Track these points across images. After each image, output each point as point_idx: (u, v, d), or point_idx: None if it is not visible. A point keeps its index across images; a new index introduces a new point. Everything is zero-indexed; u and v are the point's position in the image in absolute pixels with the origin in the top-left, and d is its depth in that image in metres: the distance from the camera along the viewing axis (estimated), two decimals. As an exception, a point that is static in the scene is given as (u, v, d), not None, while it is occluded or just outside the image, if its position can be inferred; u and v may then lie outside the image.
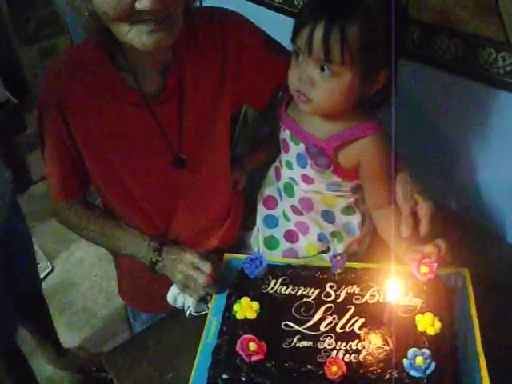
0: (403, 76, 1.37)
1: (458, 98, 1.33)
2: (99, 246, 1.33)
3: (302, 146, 1.11)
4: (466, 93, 1.30)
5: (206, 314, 1.08)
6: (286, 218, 1.22)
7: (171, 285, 1.19)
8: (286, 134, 1.16)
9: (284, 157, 1.18)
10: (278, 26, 1.11)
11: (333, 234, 1.19)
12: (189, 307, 1.16)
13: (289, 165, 1.16)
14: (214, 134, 1.18)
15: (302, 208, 1.18)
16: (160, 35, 0.96)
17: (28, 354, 1.85)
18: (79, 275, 2.60)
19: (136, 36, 0.95)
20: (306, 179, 1.14)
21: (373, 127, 1.06)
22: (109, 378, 2.05)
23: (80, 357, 2.19)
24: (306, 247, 1.20)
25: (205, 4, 1.20)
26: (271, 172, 1.26)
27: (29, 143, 2.92)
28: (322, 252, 1.20)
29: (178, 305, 1.19)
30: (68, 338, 2.28)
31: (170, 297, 1.19)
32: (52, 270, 2.60)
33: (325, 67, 0.99)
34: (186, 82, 1.11)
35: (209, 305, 1.10)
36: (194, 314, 1.15)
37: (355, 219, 1.18)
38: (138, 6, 0.90)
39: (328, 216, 1.17)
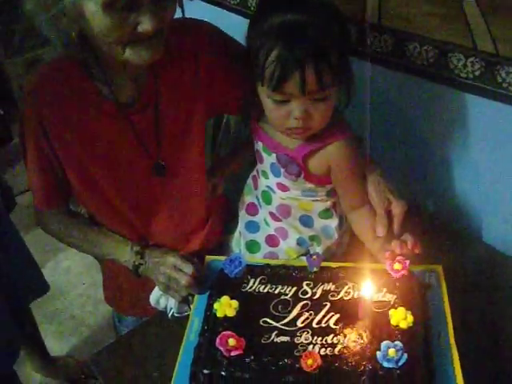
0: (378, 81, 1.43)
1: (430, 102, 1.38)
2: (86, 255, 1.36)
3: (274, 155, 1.14)
4: (438, 97, 1.35)
5: (188, 315, 1.11)
6: (267, 223, 1.25)
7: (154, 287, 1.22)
8: (258, 145, 1.19)
9: (259, 167, 1.22)
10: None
11: (311, 238, 1.22)
12: (171, 309, 1.18)
13: (264, 174, 1.20)
14: (191, 140, 1.22)
15: (279, 215, 1.21)
16: (154, 50, 1.02)
17: (16, 363, 1.86)
18: (67, 284, 2.61)
19: (133, 54, 1.00)
20: (282, 187, 1.17)
21: (340, 133, 1.09)
22: (94, 384, 2.08)
23: (68, 364, 2.20)
24: (286, 251, 1.23)
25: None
26: (249, 181, 1.30)
27: (15, 153, 2.95)
28: (302, 255, 1.22)
29: (161, 306, 1.22)
30: (56, 346, 2.28)
31: (152, 299, 1.22)
32: (39, 280, 2.60)
33: (317, 97, 1.00)
34: (161, 91, 1.15)
35: (191, 306, 1.13)
36: (176, 315, 1.18)
37: (333, 222, 1.21)
38: (140, 29, 0.96)
39: (306, 221, 1.21)
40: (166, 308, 1.21)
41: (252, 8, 1.65)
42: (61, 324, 2.43)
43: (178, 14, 1.08)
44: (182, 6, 1.08)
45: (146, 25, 0.96)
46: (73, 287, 2.60)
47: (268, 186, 1.20)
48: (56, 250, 2.68)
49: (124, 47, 1.00)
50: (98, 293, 2.46)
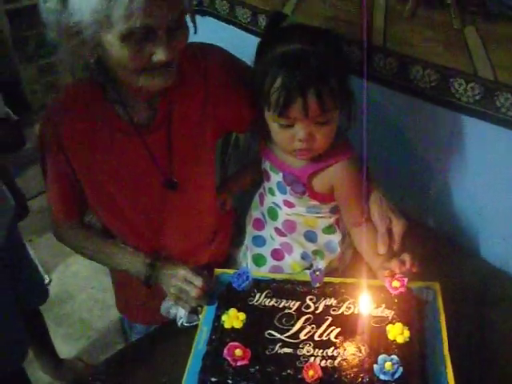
0: (382, 102, 1.48)
1: (431, 124, 1.43)
2: (96, 262, 1.42)
3: (280, 174, 1.20)
4: (439, 118, 1.40)
5: (197, 324, 1.16)
6: (272, 238, 1.30)
7: (164, 298, 1.26)
8: (266, 165, 1.25)
9: (266, 184, 1.27)
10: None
11: (315, 253, 1.27)
12: (181, 318, 1.23)
13: (271, 191, 1.25)
14: (201, 158, 1.28)
15: (285, 230, 1.26)
16: (167, 77, 1.08)
17: (25, 364, 1.89)
18: (76, 287, 2.66)
19: (147, 81, 1.07)
20: (288, 204, 1.22)
21: (343, 153, 1.15)
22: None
23: (76, 367, 2.24)
24: (291, 265, 1.28)
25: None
26: (256, 197, 1.35)
27: (28, 158, 3.00)
28: (306, 269, 1.26)
29: (171, 316, 1.26)
30: (65, 349, 2.33)
31: (163, 308, 1.26)
32: (49, 283, 2.64)
33: (320, 120, 1.06)
34: (173, 112, 1.21)
35: (200, 316, 1.18)
36: (185, 324, 1.22)
37: (336, 238, 1.26)
38: (155, 59, 1.03)
39: (310, 236, 1.26)
40: (175, 317, 1.25)
41: (262, 27, 1.71)
42: (69, 327, 2.47)
43: (191, 30, 1.13)
44: (194, 24, 1.14)
45: (160, 55, 1.03)
46: (81, 291, 2.65)
47: (274, 203, 1.25)
48: (65, 254, 2.70)
49: (139, 75, 1.06)
50: (105, 297, 2.51)
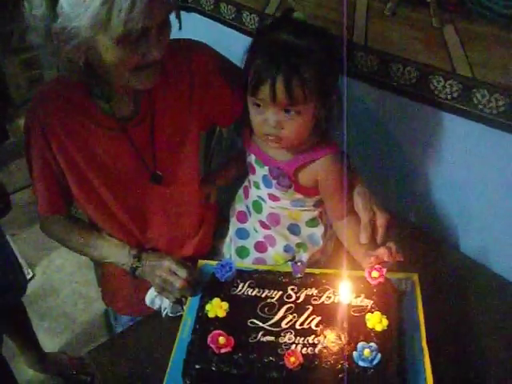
0: (362, 99, 1.51)
1: (410, 119, 1.46)
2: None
3: (266, 168, 1.22)
4: (419, 115, 1.43)
5: (182, 315, 1.18)
6: (256, 231, 1.32)
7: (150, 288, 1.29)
8: (251, 158, 1.27)
9: (251, 178, 1.29)
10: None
11: (298, 245, 1.29)
12: (165, 309, 1.25)
13: (256, 185, 1.27)
14: (185, 151, 1.30)
15: (269, 223, 1.29)
16: (155, 75, 1.11)
17: (9, 358, 1.88)
18: (59, 282, 2.65)
19: (138, 79, 1.09)
20: (273, 197, 1.25)
21: (329, 148, 1.17)
22: (88, 381, 2.13)
23: (60, 360, 2.24)
24: (274, 257, 1.31)
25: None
26: (240, 191, 1.37)
27: (11, 152, 2.99)
28: (288, 261, 1.29)
29: (156, 307, 1.28)
30: (48, 343, 2.33)
31: (148, 299, 1.28)
32: (33, 277, 2.65)
33: (290, 110, 1.08)
34: (157, 107, 1.23)
35: (184, 307, 1.20)
36: (170, 315, 1.24)
37: (319, 231, 1.29)
38: (150, 57, 1.05)
39: (294, 229, 1.28)
40: (160, 308, 1.27)
41: (246, 23, 1.73)
42: (53, 321, 2.47)
43: (176, 27, 1.15)
44: (179, 20, 1.15)
45: (155, 53, 1.05)
46: (65, 285, 2.64)
47: (259, 196, 1.28)
48: (49, 248, 2.72)
49: (130, 74, 1.08)
50: (89, 291, 2.52)
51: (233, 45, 1.29)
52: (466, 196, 1.45)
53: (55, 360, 2.24)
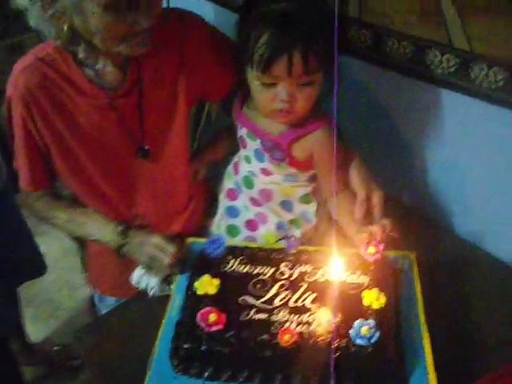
0: (357, 75, 1.47)
1: (405, 95, 1.42)
2: (63, 240, 1.38)
3: (258, 141, 1.19)
4: (414, 91, 1.39)
5: (168, 295, 1.14)
6: (246, 209, 1.29)
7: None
8: (243, 132, 1.23)
9: (243, 152, 1.26)
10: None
11: (291, 222, 1.26)
12: (152, 288, 1.21)
13: (248, 159, 1.24)
14: (174, 125, 1.26)
15: (261, 199, 1.25)
16: (147, 43, 1.07)
17: None
18: (44, 268, 2.62)
19: (126, 48, 1.06)
20: (265, 172, 1.21)
21: (324, 120, 1.14)
22: (75, 365, 2.10)
23: (47, 349, 2.21)
24: (265, 235, 1.27)
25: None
26: (230, 167, 1.33)
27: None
28: (280, 239, 1.26)
29: (142, 286, 1.24)
30: (34, 330, 2.29)
31: (134, 278, 1.24)
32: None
33: (304, 81, 1.05)
34: (145, 77, 1.19)
35: (171, 286, 1.16)
36: (157, 294, 1.20)
37: (311, 207, 1.26)
38: (138, 27, 1.02)
39: (286, 205, 1.25)
40: (147, 287, 1.23)
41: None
42: (38, 307, 2.45)
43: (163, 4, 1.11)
44: None
45: (144, 23, 1.02)
46: (50, 272, 2.58)
47: (250, 171, 1.24)
48: (33, 234, 2.68)
49: (119, 43, 1.04)
50: (75, 277, 2.50)
51: (222, 22, 1.25)
52: (462, 176, 1.42)
53: (42, 348, 2.21)
